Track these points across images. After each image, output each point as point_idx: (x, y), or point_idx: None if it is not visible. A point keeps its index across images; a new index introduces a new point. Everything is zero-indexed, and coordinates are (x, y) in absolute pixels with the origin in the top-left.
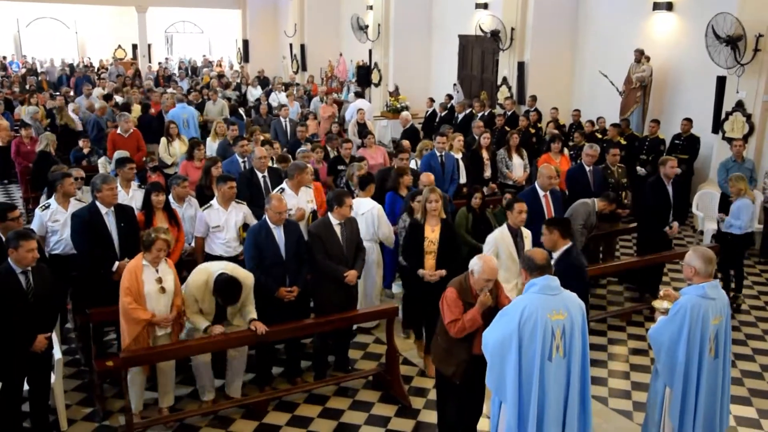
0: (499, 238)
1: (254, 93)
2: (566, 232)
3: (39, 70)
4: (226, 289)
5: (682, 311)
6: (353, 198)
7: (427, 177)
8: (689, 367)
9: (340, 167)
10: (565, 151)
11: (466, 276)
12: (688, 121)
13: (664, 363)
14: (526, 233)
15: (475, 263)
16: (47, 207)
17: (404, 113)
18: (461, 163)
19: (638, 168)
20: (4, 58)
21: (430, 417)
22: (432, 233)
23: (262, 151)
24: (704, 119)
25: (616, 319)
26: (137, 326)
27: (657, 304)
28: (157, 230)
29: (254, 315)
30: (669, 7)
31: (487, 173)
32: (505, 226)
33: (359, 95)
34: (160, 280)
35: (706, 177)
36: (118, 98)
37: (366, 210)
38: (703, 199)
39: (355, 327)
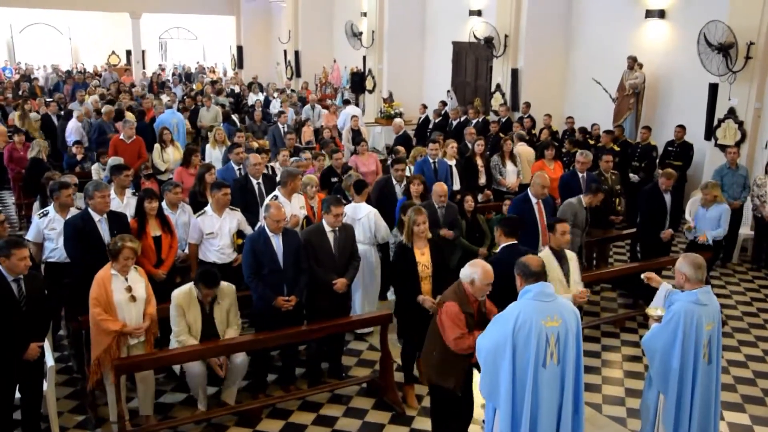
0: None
1: (254, 98)
2: (511, 232)
3: (32, 76)
4: (204, 273)
5: (676, 318)
6: (349, 203)
7: (440, 187)
8: (684, 373)
9: (333, 179)
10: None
11: (460, 285)
12: (682, 128)
13: (657, 370)
14: (571, 255)
15: (472, 271)
16: (45, 215)
17: (396, 120)
18: (455, 170)
19: (631, 175)
20: None
21: (425, 424)
22: (423, 256)
23: (257, 158)
24: (697, 126)
25: (609, 326)
26: (107, 337)
27: (651, 311)
28: (123, 238)
29: (234, 334)
30: (661, 14)
31: (482, 180)
32: (547, 248)
33: (347, 103)
34: (129, 289)
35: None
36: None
37: (363, 215)
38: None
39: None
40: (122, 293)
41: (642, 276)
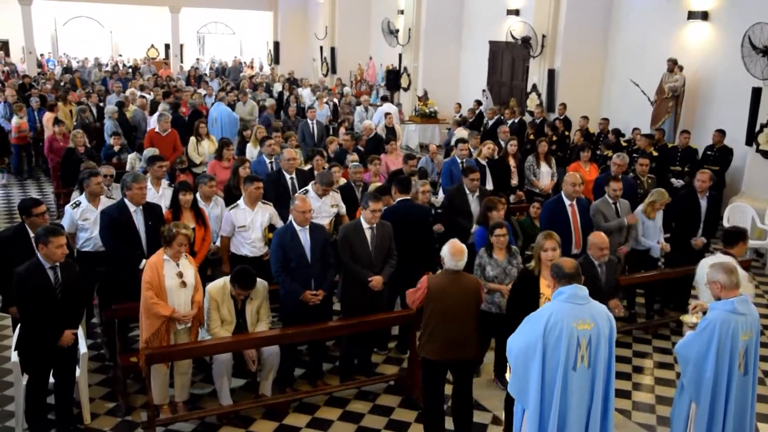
0: None
1: (278, 88)
2: (403, 188)
3: (74, 69)
4: (241, 273)
5: (711, 326)
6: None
7: (599, 238)
8: (717, 383)
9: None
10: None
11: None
12: (721, 132)
13: (690, 378)
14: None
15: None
16: (78, 204)
17: (366, 122)
18: (488, 170)
19: (673, 180)
20: (42, 55)
21: (450, 424)
22: (549, 290)
23: (291, 153)
24: (738, 131)
25: (641, 332)
26: (157, 321)
27: (685, 318)
28: (178, 225)
29: (265, 328)
30: (704, 16)
31: (514, 181)
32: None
33: (385, 99)
34: (180, 275)
35: (738, 190)
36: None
37: None
38: (734, 212)
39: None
40: (173, 279)
41: (690, 309)
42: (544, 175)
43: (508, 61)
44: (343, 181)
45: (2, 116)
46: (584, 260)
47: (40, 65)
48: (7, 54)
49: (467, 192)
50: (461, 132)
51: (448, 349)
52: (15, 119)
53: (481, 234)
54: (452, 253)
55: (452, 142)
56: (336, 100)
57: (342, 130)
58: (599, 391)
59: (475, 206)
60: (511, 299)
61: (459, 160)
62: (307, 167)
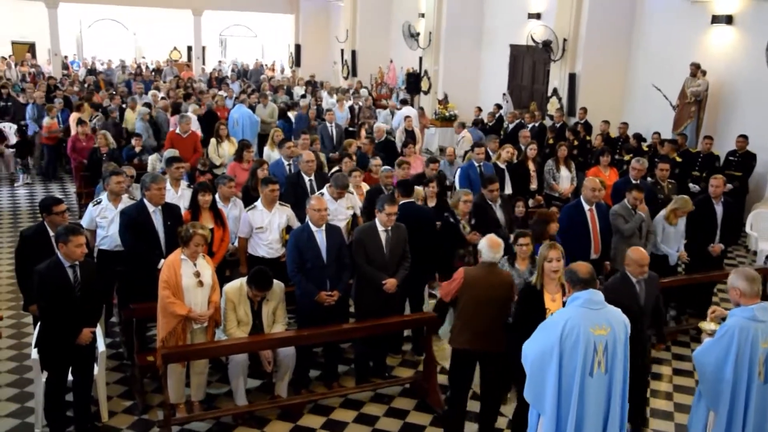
0: None
1: (299, 93)
2: (406, 192)
3: (98, 71)
4: (258, 274)
5: (730, 333)
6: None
7: (638, 253)
8: (736, 391)
9: None
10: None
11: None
12: (744, 137)
13: (708, 386)
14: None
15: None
16: (98, 203)
17: (377, 125)
18: (506, 174)
19: (691, 185)
20: (66, 57)
21: (468, 427)
22: (553, 303)
23: (310, 155)
24: (762, 136)
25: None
26: (174, 320)
27: (704, 325)
28: (195, 225)
29: (281, 329)
30: (728, 20)
31: (534, 185)
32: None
33: (405, 103)
34: (197, 274)
35: (762, 196)
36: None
37: None
38: (757, 218)
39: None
40: (191, 278)
41: (709, 315)
42: (564, 180)
43: (529, 65)
44: (364, 185)
45: (30, 117)
46: (621, 278)
47: (65, 67)
48: (34, 56)
49: (489, 202)
50: (466, 135)
51: (478, 339)
52: (46, 119)
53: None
54: (490, 245)
55: (456, 145)
56: (360, 103)
57: (362, 133)
58: (617, 397)
59: (500, 215)
60: (516, 319)
61: (476, 164)
62: (334, 169)
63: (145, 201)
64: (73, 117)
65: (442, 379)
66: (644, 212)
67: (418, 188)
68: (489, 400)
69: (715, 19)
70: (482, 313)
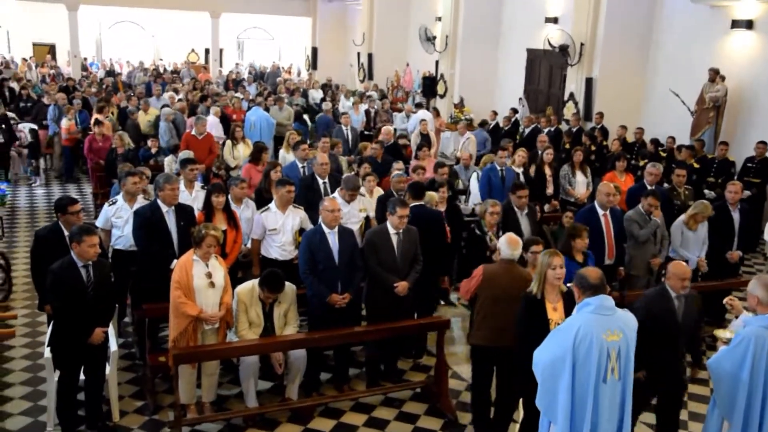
0: None
1: (315, 96)
2: (417, 195)
3: (117, 72)
4: (270, 276)
5: (745, 342)
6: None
7: (681, 269)
8: (751, 401)
9: None
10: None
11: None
12: (764, 144)
13: (723, 395)
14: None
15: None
16: (114, 203)
17: (385, 128)
18: (522, 178)
19: (706, 191)
20: (85, 59)
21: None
22: (555, 312)
23: (324, 158)
24: None
25: None
26: (185, 321)
27: (719, 333)
28: (207, 226)
29: (293, 332)
30: (749, 25)
31: (550, 189)
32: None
33: (420, 106)
34: (209, 275)
35: None
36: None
37: None
38: None
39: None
40: (202, 279)
41: (725, 301)
42: (580, 185)
43: (546, 69)
44: (378, 190)
45: (51, 119)
46: (660, 291)
47: (84, 68)
48: (54, 57)
49: (516, 210)
50: (471, 137)
51: (497, 335)
52: (64, 121)
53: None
54: (509, 242)
55: (460, 147)
56: (375, 107)
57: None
58: (629, 403)
59: (525, 224)
60: (518, 331)
61: (498, 168)
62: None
63: (159, 201)
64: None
65: (454, 384)
66: (659, 218)
67: (432, 193)
68: (505, 398)
69: (735, 24)
70: (501, 309)
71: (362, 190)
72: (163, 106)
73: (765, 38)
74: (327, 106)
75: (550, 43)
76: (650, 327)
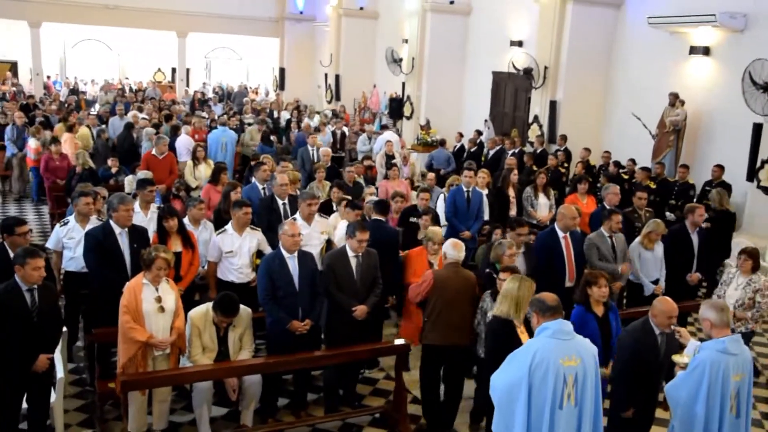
0: None
1: (285, 116)
2: (380, 210)
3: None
4: (224, 300)
5: (701, 366)
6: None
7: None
8: (709, 425)
9: (412, 219)
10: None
11: None
12: (720, 167)
13: (681, 420)
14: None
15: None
16: (66, 223)
17: (323, 149)
18: (485, 200)
19: (667, 213)
20: (48, 77)
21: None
22: (523, 335)
23: (284, 179)
24: (739, 166)
25: None
26: (134, 346)
27: (677, 358)
28: (158, 248)
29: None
30: (706, 51)
31: (513, 211)
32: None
33: (385, 128)
34: (159, 299)
35: (739, 226)
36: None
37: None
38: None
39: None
40: (151, 303)
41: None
42: (542, 207)
43: (511, 92)
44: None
45: (9, 139)
46: (642, 326)
47: (46, 87)
48: (16, 75)
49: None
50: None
51: (449, 334)
52: (32, 141)
53: (578, 314)
54: (453, 245)
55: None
56: (345, 128)
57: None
58: (587, 430)
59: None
60: (492, 355)
61: (465, 189)
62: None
63: (112, 222)
64: (66, 137)
65: (413, 408)
66: (621, 237)
67: (437, 229)
68: (452, 393)
69: (693, 50)
70: (451, 310)
71: (430, 246)
72: (127, 124)
73: (721, 64)
74: (305, 122)
75: (514, 66)
76: (635, 364)
